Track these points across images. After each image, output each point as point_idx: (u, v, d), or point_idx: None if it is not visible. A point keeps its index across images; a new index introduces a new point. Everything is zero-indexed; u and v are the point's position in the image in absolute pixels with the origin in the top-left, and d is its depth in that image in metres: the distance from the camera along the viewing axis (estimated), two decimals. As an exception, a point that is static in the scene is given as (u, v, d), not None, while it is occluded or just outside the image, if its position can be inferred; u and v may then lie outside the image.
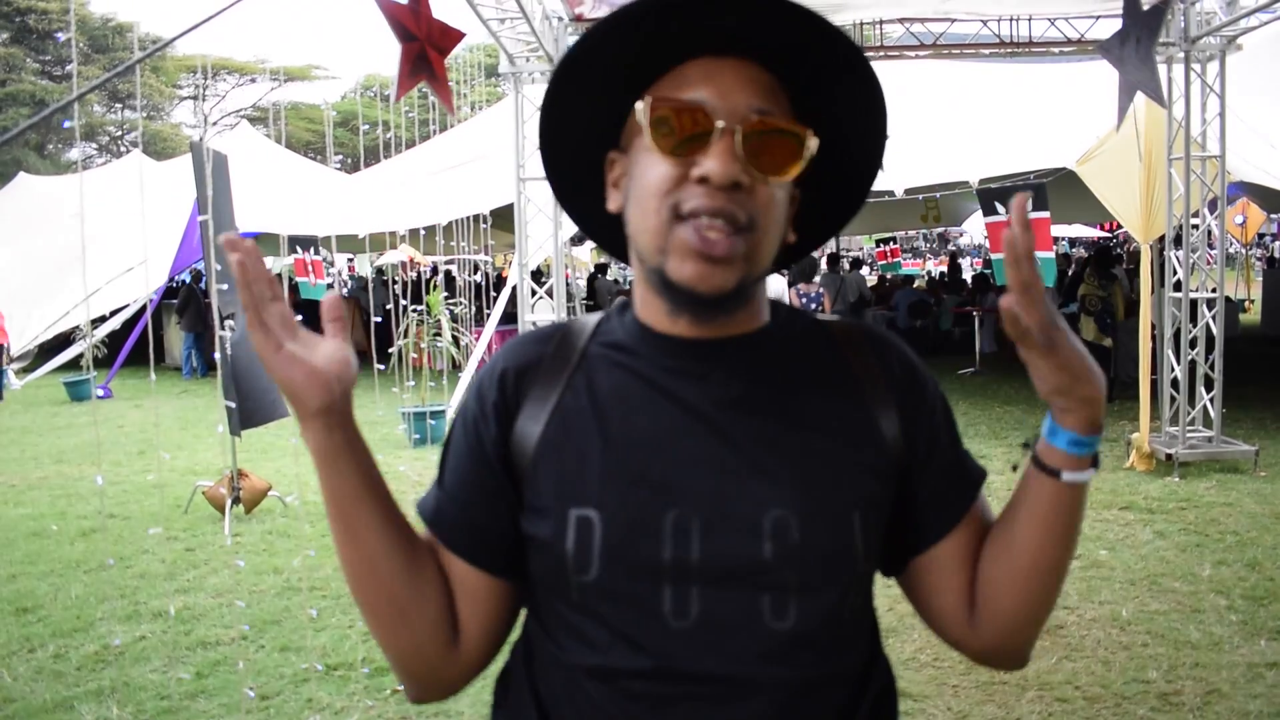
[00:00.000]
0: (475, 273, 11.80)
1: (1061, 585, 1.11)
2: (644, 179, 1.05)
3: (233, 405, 5.64)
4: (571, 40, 8.41)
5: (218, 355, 5.89)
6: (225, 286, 5.55)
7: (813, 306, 10.97)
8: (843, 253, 27.39)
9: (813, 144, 1.04)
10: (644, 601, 1.02)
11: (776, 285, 11.39)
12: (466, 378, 10.35)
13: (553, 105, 1.13)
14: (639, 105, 1.04)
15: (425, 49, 3.98)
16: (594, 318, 1.18)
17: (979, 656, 1.17)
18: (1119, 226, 16.98)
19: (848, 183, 1.17)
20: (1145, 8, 6.59)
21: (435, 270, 19.88)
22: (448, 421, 8.98)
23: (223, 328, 5.73)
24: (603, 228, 1.21)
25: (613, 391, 1.08)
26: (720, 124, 1.01)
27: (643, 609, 1.02)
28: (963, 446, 1.19)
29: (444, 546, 1.11)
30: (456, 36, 4.25)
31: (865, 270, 21.74)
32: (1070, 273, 15.55)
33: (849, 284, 17.39)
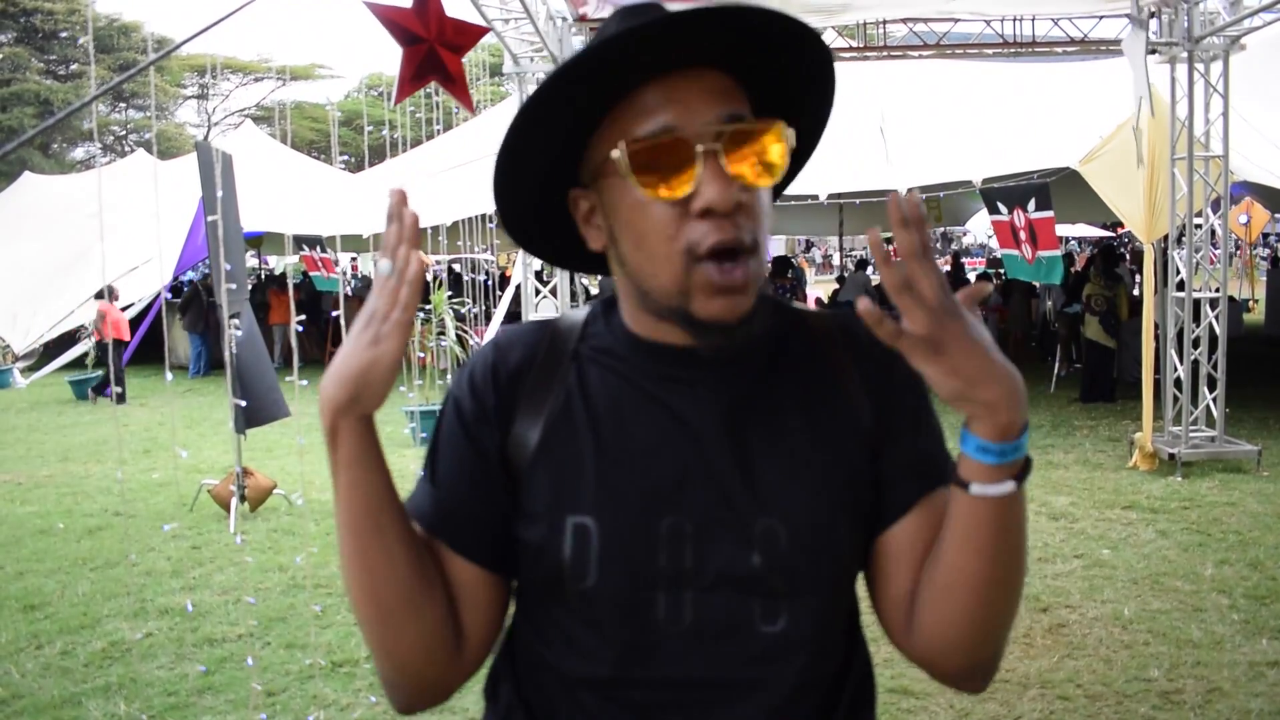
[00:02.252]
0: (476, 271, 11.82)
1: (996, 608, 1.02)
2: (642, 224, 1.02)
3: (243, 403, 5.67)
4: (575, 40, 8.44)
5: (225, 354, 5.92)
6: (234, 286, 5.58)
7: None
8: (848, 253, 27.39)
9: (790, 134, 1.02)
10: (639, 608, 1.03)
11: None
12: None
13: (511, 153, 1.07)
14: (615, 154, 1.00)
15: (436, 49, 3.93)
16: (579, 316, 1.17)
17: (921, 665, 1.11)
18: (1124, 226, 16.97)
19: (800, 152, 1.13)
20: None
21: (450, 270, 19.82)
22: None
23: (229, 326, 5.77)
24: (568, 260, 1.21)
25: (606, 397, 1.08)
26: (700, 148, 0.98)
27: (638, 615, 1.03)
28: (937, 439, 1.14)
29: (445, 545, 1.09)
30: (477, 33, 4.15)
31: (869, 270, 21.78)
32: (1074, 271, 15.55)
33: (856, 283, 17.49)
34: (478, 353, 1.16)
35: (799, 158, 1.14)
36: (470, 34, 4.35)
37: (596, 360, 1.11)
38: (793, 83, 1.09)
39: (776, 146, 1.02)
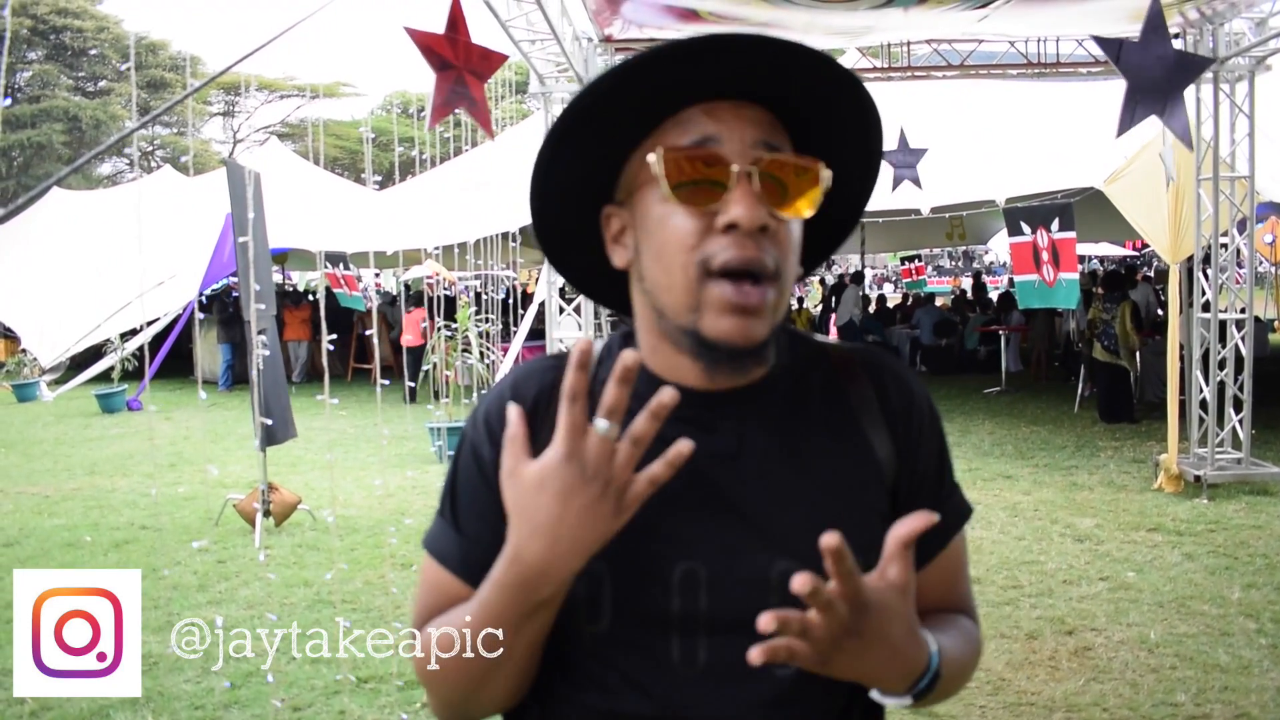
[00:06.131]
0: (498, 289, 11.88)
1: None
2: (663, 234, 1.02)
3: (269, 421, 5.73)
4: (601, 61, 8.50)
5: (250, 371, 5.99)
6: (264, 306, 5.64)
7: None
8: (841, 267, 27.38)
9: (826, 175, 1.03)
10: (653, 650, 1.05)
11: None
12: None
13: (549, 165, 1.08)
14: (651, 157, 1.01)
15: (464, 75, 4.01)
16: (595, 350, 1.12)
17: None
18: (1145, 245, 16.90)
19: (843, 206, 1.15)
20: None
21: (487, 288, 19.87)
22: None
23: (257, 345, 5.83)
24: (594, 283, 1.20)
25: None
26: (736, 167, 0.99)
27: (652, 657, 1.05)
28: (952, 482, 1.18)
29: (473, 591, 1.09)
30: (498, 60, 4.26)
31: (886, 286, 21.76)
32: (1096, 291, 15.47)
33: (849, 297, 17.65)
34: (493, 394, 1.15)
35: (842, 224, 1.17)
36: (493, 61, 4.44)
37: None
38: (842, 141, 1.10)
39: (812, 184, 1.03)
